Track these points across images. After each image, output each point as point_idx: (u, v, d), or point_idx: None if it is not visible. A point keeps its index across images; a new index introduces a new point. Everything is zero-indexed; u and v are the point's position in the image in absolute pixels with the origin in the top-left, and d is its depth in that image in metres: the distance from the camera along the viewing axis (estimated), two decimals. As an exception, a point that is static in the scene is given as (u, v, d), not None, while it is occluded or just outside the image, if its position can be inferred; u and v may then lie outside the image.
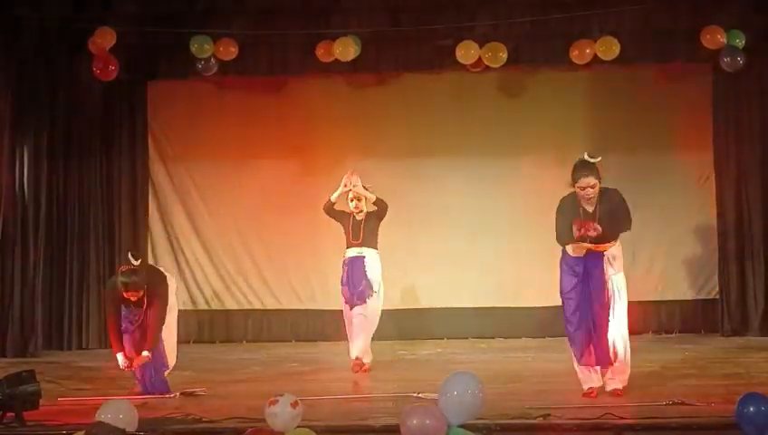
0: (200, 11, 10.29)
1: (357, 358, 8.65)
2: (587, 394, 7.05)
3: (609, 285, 7.04)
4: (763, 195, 10.72)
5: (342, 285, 8.79)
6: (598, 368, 7.07)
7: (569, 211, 7.07)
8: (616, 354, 7.02)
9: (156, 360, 7.70)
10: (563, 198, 7.20)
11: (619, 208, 7.08)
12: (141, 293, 7.52)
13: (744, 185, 10.77)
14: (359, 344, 8.66)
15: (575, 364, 7.16)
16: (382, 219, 8.85)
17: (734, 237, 10.77)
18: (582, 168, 7.04)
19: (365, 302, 8.66)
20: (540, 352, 9.69)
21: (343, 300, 8.81)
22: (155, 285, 7.67)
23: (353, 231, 8.77)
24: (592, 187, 6.98)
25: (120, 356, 7.61)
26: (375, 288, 8.68)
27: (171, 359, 7.98)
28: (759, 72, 10.49)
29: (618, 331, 7.04)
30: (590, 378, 7.11)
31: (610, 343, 7.00)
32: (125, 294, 7.48)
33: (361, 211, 8.81)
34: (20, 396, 6.38)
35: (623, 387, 7.03)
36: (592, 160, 7.04)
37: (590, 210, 7.03)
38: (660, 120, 10.98)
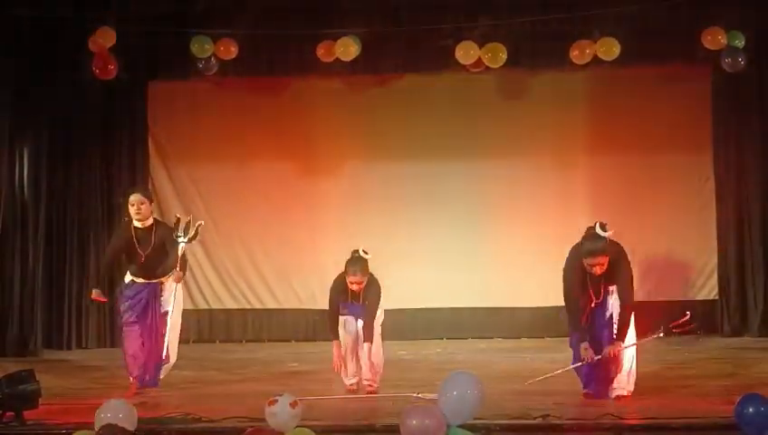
0: (200, 11, 10.29)
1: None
2: (587, 394, 7.04)
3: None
4: (763, 195, 10.72)
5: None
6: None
7: (576, 277, 6.82)
8: (620, 366, 6.90)
9: (157, 355, 7.81)
10: (570, 258, 6.89)
11: (623, 277, 6.83)
12: (149, 210, 7.97)
13: (744, 185, 10.77)
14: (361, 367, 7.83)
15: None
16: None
17: (733, 238, 10.78)
18: (593, 241, 6.71)
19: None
20: (540, 353, 9.68)
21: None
22: (166, 234, 8.04)
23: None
24: (601, 265, 6.71)
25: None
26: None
27: (173, 356, 7.98)
28: (759, 73, 10.49)
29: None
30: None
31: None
32: (131, 209, 7.83)
33: (360, 283, 7.64)
34: (20, 395, 6.38)
35: (628, 393, 6.93)
36: (604, 235, 6.70)
37: (597, 278, 6.80)
38: (660, 121, 10.97)
